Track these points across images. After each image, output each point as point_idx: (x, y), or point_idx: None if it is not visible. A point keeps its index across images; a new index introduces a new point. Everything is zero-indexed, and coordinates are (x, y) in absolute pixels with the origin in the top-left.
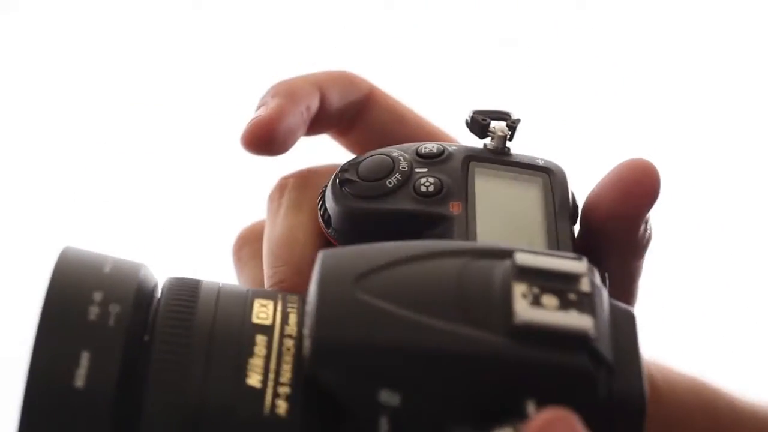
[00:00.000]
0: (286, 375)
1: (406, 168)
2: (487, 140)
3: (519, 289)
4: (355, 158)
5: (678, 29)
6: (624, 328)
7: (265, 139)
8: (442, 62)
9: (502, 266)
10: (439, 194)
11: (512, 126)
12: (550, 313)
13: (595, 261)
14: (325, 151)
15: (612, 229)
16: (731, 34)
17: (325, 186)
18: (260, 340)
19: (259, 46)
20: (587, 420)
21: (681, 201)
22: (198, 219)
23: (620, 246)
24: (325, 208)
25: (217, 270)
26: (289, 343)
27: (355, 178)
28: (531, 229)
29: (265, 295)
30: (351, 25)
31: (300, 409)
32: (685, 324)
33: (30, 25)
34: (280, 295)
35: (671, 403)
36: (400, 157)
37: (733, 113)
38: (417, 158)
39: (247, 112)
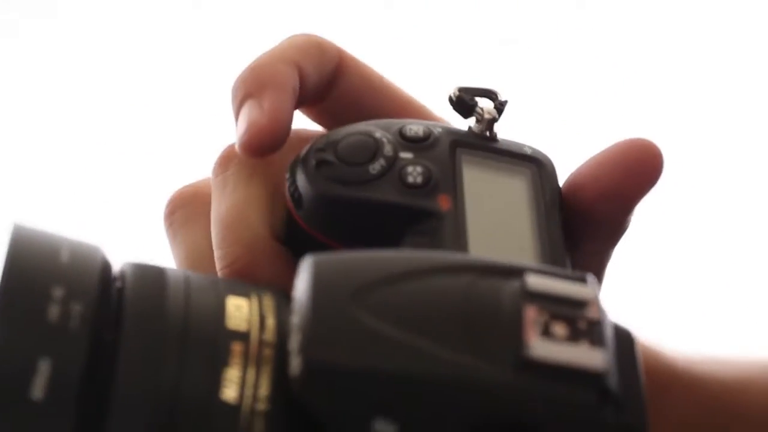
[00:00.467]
0: (264, 390)
1: (391, 153)
2: (472, 121)
3: (529, 316)
4: (332, 135)
5: (678, 29)
6: (626, 354)
7: (269, 145)
8: (442, 62)
9: (510, 288)
10: (427, 186)
11: (500, 108)
12: (562, 348)
13: (571, 244)
14: None
15: (601, 211)
16: (731, 33)
17: (295, 161)
18: (236, 348)
19: (259, 46)
20: None
21: (679, 198)
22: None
23: (605, 229)
24: (296, 187)
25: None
26: (268, 352)
27: (333, 159)
28: (521, 227)
29: (238, 292)
30: (351, 24)
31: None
32: (680, 319)
33: (30, 25)
34: (253, 293)
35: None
36: (384, 139)
37: (732, 113)
38: (401, 140)
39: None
